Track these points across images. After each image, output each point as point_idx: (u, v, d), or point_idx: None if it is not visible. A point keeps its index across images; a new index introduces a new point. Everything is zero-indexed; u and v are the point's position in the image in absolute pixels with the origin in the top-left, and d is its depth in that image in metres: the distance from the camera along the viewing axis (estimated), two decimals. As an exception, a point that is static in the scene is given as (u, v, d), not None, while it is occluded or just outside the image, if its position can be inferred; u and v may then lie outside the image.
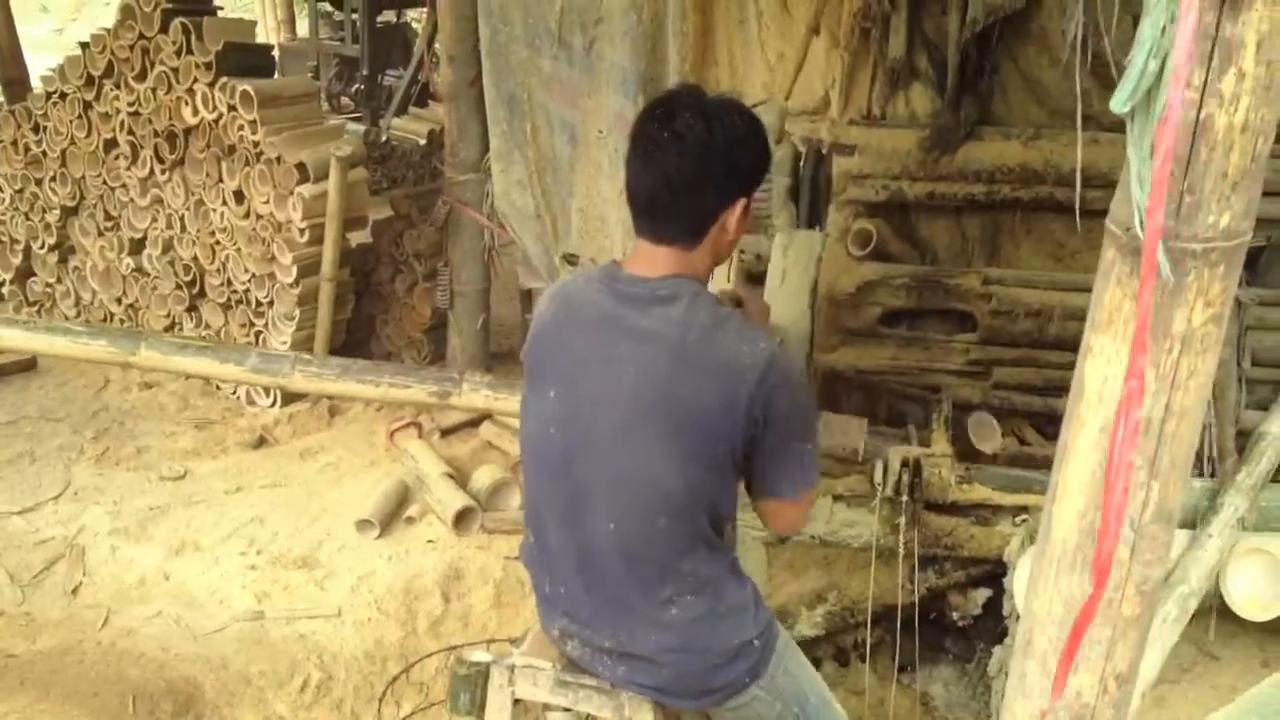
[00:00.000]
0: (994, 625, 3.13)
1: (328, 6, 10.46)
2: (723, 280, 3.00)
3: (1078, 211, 2.99)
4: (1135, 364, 1.05)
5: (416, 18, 10.64)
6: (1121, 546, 1.10)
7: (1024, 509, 3.00)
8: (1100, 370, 1.06)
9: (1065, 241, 3.66)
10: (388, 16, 9.88)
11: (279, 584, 3.81)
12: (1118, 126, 2.48)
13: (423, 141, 6.07)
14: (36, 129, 5.38)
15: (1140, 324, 1.05)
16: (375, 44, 9.33)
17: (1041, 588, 1.17)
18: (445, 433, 4.78)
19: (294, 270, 4.80)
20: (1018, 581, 2.81)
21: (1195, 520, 2.81)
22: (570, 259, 4.59)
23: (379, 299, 5.48)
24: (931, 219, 3.68)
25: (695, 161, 1.87)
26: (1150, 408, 1.05)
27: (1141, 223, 0.96)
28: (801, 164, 3.59)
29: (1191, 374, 1.04)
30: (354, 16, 9.36)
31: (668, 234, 1.93)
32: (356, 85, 9.55)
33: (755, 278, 3.06)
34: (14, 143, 5.46)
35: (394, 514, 4.15)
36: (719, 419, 1.86)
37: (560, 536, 2.02)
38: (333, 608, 3.71)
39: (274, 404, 4.99)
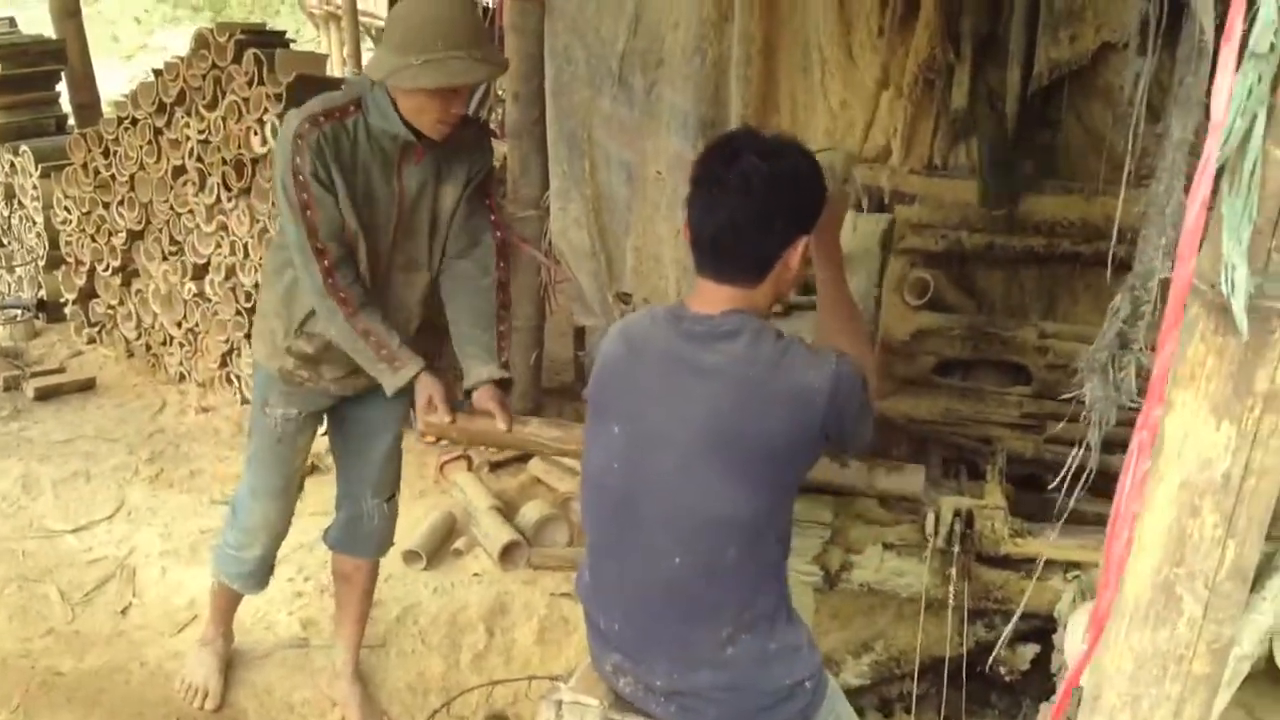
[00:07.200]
0: (1041, 681, 3.09)
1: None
2: None
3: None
4: (1149, 415, 1.06)
5: (477, 56, 10.75)
6: (1194, 603, 1.09)
7: (1076, 564, 2.96)
8: (1181, 426, 1.06)
9: (1123, 298, 3.63)
10: (450, 54, 9.99)
11: (325, 612, 3.83)
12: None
13: (480, 177, 6.11)
14: (106, 153, 5.47)
15: (1160, 374, 1.06)
16: (437, 81, 9.43)
17: (1112, 642, 1.16)
18: (495, 466, 4.79)
19: (353, 300, 4.83)
20: (1068, 638, 2.77)
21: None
22: (624, 297, 4.61)
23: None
24: (989, 270, 3.67)
25: (759, 203, 1.89)
26: (1230, 465, 1.04)
27: (1229, 279, 0.96)
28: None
29: (1273, 432, 1.04)
30: (417, 53, 9.50)
31: (731, 274, 1.95)
32: (416, 121, 9.66)
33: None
34: (84, 166, 5.57)
35: (441, 546, 4.17)
36: (792, 445, 1.88)
37: (620, 572, 2.03)
38: (378, 638, 3.72)
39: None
